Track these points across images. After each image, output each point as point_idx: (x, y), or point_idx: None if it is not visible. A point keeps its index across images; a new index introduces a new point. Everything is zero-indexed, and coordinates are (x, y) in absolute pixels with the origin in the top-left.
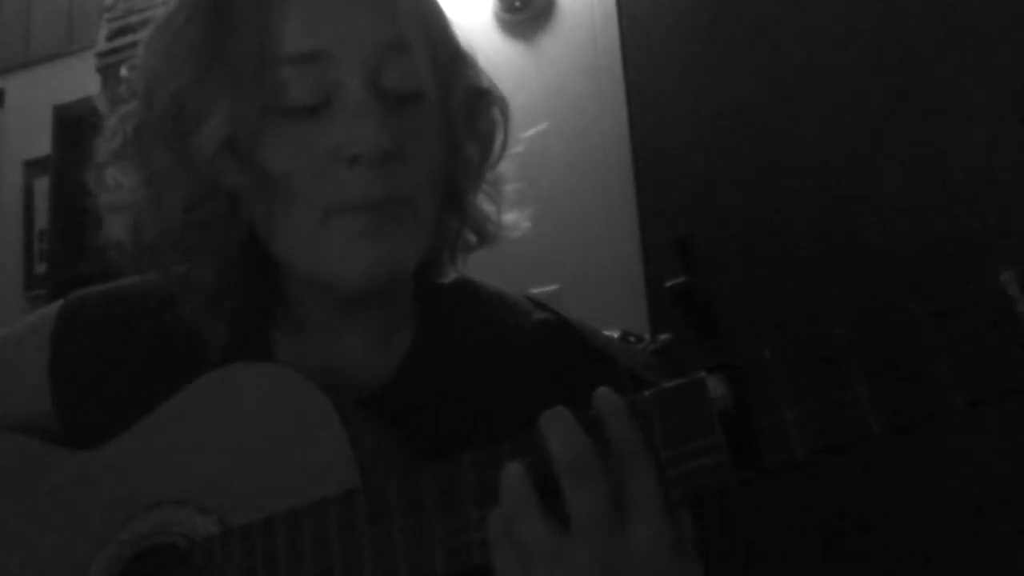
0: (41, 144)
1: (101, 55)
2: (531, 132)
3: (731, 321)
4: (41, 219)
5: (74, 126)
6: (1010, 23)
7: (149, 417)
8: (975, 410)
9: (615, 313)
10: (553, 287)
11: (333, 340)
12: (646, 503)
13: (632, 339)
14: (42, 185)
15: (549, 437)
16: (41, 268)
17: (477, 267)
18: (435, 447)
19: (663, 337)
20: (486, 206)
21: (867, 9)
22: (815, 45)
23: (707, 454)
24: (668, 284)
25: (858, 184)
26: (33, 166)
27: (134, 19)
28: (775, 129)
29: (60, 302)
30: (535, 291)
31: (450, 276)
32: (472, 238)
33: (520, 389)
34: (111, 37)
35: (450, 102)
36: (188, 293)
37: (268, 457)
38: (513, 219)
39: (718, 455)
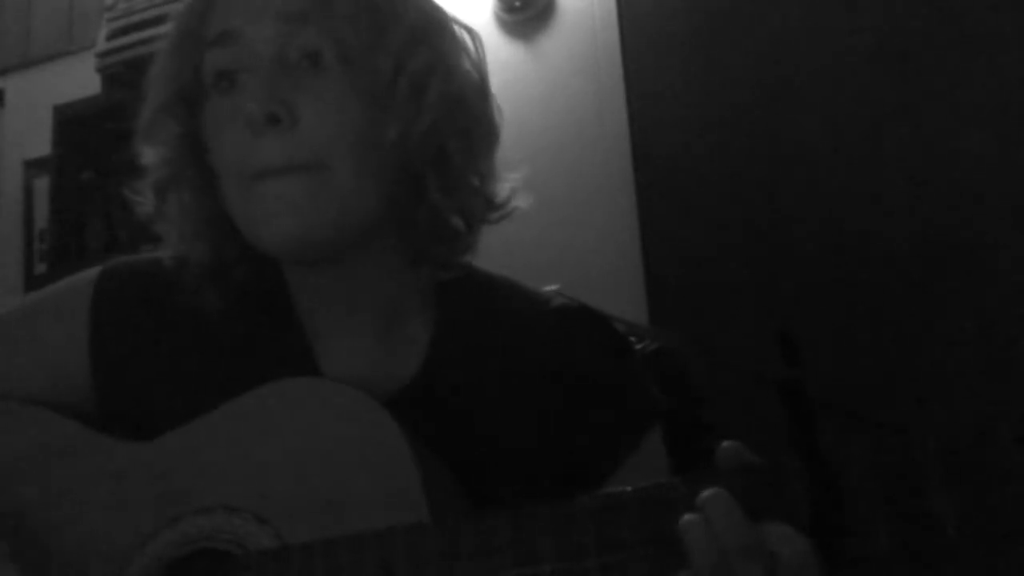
0: (41, 144)
1: (101, 55)
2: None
3: (823, 415)
4: (41, 219)
5: (74, 126)
6: (1012, 23)
7: (207, 416)
8: None
9: (615, 313)
10: (553, 287)
11: (344, 335)
12: None
13: (634, 338)
14: (42, 185)
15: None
16: (41, 268)
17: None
18: (466, 444)
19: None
20: (467, 183)
21: (869, 9)
22: (816, 45)
23: None
24: (775, 378)
25: (859, 184)
26: (33, 166)
27: (134, 19)
28: (775, 129)
29: (95, 272)
30: None
31: (458, 269)
32: (459, 223)
33: (547, 379)
34: (111, 37)
35: (374, 69)
36: (191, 267)
37: (334, 477)
38: (504, 193)
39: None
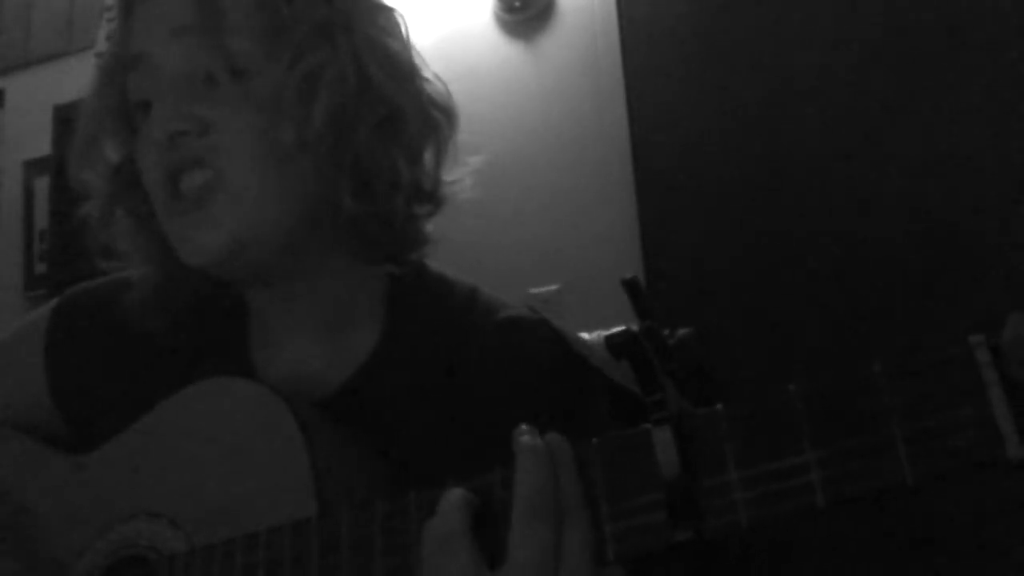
0: (41, 144)
1: (101, 55)
2: (476, 160)
3: (686, 371)
4: (41, 219)
5: (74, 126)
6: (1012, 22)
7: (133, 426)
8: (924, 485)
9: (615, 313)
10: (553, 287)
11: (293, 339)
12: (577, 560)
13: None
14: (42, 185)
15: (522, 464)
16: (41, 268)
17: (477, 267)
18: (394, 451)
19: (682, 332)
20: (383, 180)
21: (868, 9)
22: (815, 45)
23: (647, 513)
24: (608, 334)
25: (859, 183)
26: (33, 166)
27: None
28: (775, 129)
29: (54, 301)
30: (535, 291)
31: (421, 268)
32: (419, 209)
33: (473, 395)
34: (111, 37)
35: (268, 75)
36: (138, 286)
37: (236, 477)
38: (435, 183)
39: (657, 515)
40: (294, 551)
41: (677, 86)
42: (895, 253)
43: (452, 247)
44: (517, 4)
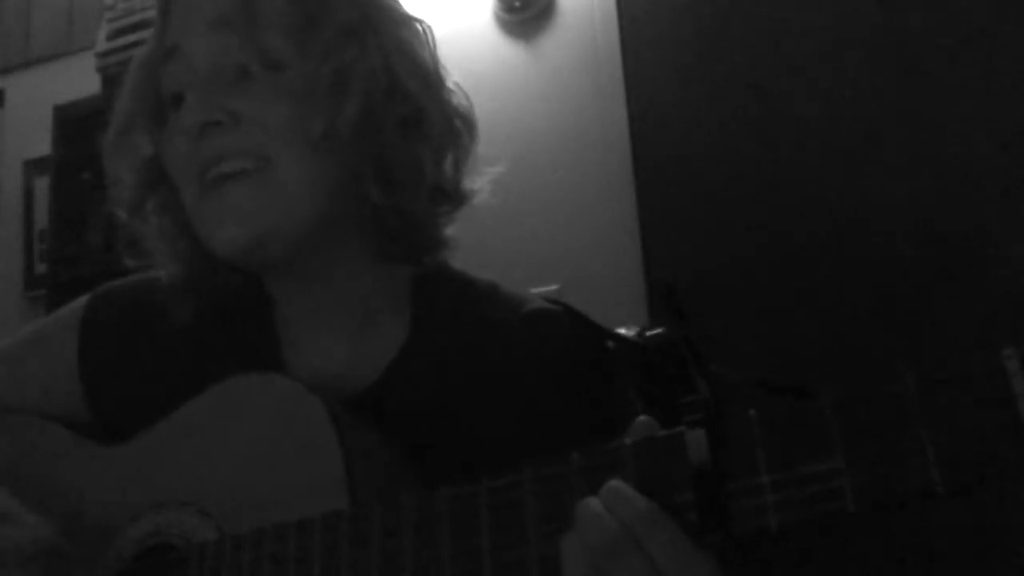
0: (41, 144)
1: (101, 55)
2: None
3: (715, 374)
4: (41, 219)
5: (74, 126)
6: (1012, 27)
7: (166, 419)
8: (957, 496)
9: (615, 313)
10: (553, 287)
11: (319, 337)
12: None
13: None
14: (42, 185)
15: (580, 521)
16: (41, 268)
17: (478, 266)
18: (421, 450)
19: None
20: (409, 176)
21: (868, 9)
22: (815, 46)
23: (677, 514)
24: (647, 334)
25: (859, 184)
26: (33, 166)
27: (134, 19)
28: (775, 129)
29: (86, 297)
30: (535, 291)
31: (428, 264)
32: (440, 208)
33: (505, 390)
34: (111, 37)
35: (301, 68)
36: (166, 284)
37: (268, 469)
38: (457, 185)
39: (688, 516)
40: (325, 541)
41: (677, 86)
42: (895, 253)
43: (452, 247)
44: (517, 4)
